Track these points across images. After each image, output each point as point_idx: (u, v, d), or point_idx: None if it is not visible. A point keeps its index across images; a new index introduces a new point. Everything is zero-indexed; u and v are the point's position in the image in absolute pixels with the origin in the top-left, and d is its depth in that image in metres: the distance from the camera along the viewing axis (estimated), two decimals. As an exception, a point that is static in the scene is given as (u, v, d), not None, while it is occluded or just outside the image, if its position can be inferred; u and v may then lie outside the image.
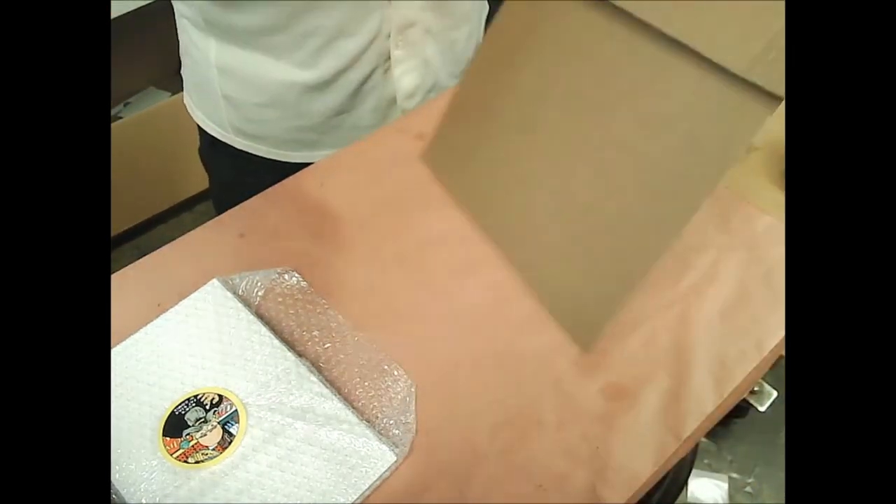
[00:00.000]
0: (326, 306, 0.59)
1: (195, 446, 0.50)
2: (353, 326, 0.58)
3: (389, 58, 0.76)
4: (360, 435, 0.51)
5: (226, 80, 0.78)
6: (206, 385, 0.53)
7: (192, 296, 0.59)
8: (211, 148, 0.87)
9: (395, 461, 0.50)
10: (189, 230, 0.65)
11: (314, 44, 0.71)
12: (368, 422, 0.52)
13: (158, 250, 0.63)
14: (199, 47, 0.77)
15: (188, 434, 0.51)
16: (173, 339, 0.56)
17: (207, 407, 0.52)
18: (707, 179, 0.46)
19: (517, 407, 0.54)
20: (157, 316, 0.57)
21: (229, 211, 0.66)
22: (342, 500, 0.49)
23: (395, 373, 0.55)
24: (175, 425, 0.51)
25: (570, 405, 0.55)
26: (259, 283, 0.60)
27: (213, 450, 0.50)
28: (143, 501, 0.48)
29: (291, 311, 0.59)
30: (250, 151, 0.83)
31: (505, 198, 0.61)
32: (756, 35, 0.45)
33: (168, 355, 0.55)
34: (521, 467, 0.51)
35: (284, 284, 0.60)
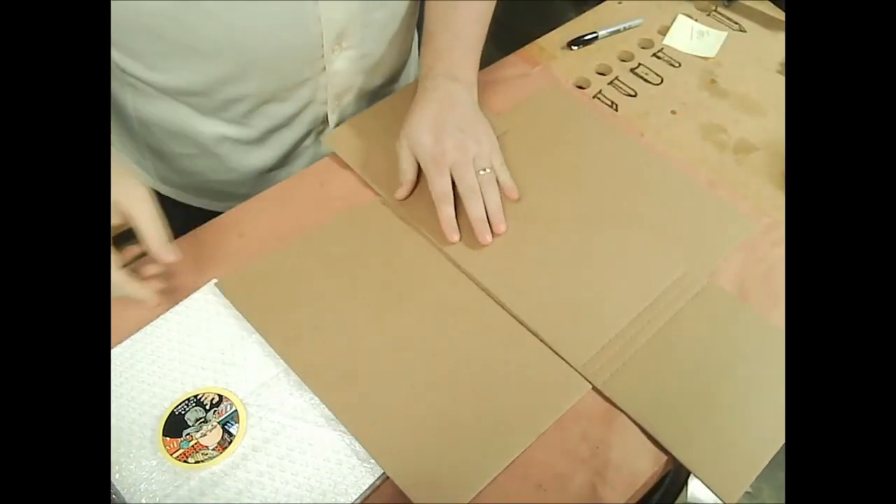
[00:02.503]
0: None
1: (195, 446, 0.50)
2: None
3: (326, 121, 0.74)
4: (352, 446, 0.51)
5: (147, 130, 0.71)
6: (206, 385, 0.53)
7: (192, 296, 0.59)
8: None
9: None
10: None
11: (242, 108, 0.67)
12: None
13: (158, 250, 0.63)
14: (116, 99, 0.69)
15: (188, 434, 0.51)
16: (173, 339, 0.56)
17: (207, 407, 0.52)
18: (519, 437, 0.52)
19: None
20: (157, 317, 0.57)
21: (229, 211, 0.66)
22: (342, 501, 0.49)
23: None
24: (175, 425, 0.51)
25: (571, 405, 0.55)
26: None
27: (213, 449, 0.50)
28: (143, 501, 0.48)
29: None
30: (177, 199, 0.78)
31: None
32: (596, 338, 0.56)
33: (168, 355, 0.55)
34: (521, 467, 0.51)
35: None
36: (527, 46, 0.83)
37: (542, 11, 1.47)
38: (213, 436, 0.51)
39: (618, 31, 0.85)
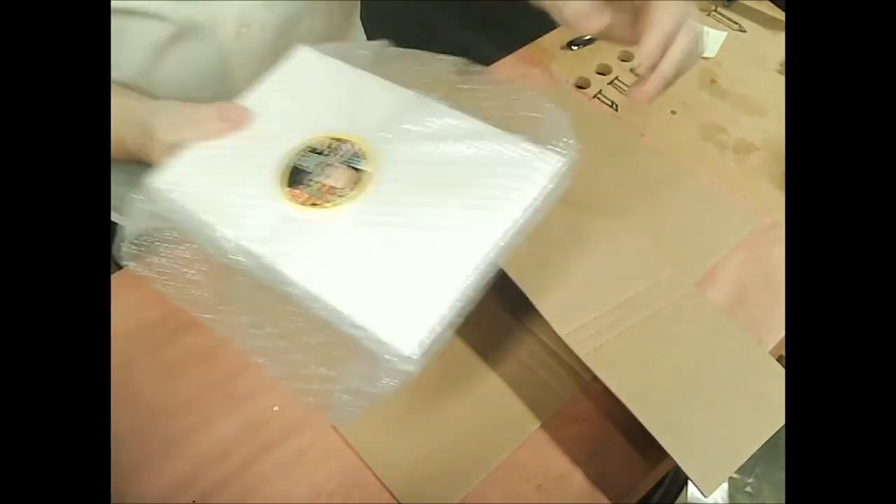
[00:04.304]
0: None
1: (324, 189, 0.43)
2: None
3: None
4: (514, 143, 0.43)
5: None
6: (317, 135, 0.46)
7: (282, 66, 0.51)
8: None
9: (563, 166, 0.42)
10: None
11: None
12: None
13: (158, 250, 0.63)
14: None
15: (310, 180, 0.44)
16: (275, 103, 0.49)
17: (325, 153, 0.45)
18: None
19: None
20: (157, 318, 0.57)
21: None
22: (510, 217, 0.40)
23: (546, 105, 0.46)
24: (296, 176, 0.44)
25: (570, 406, 0.55)
26: (357, 52, 0.51)
27: (346, 188, 0.43)
28: (282, 252, 0.41)
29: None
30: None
31: None
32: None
33: (271, 120, 0.48)
34: (521, 467, 0.51)
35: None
36: (527, 46, 0.83)
37: (542, 11, 1.47)
38: (340, 175, 0.44)
39: (618, 31, 0.85)
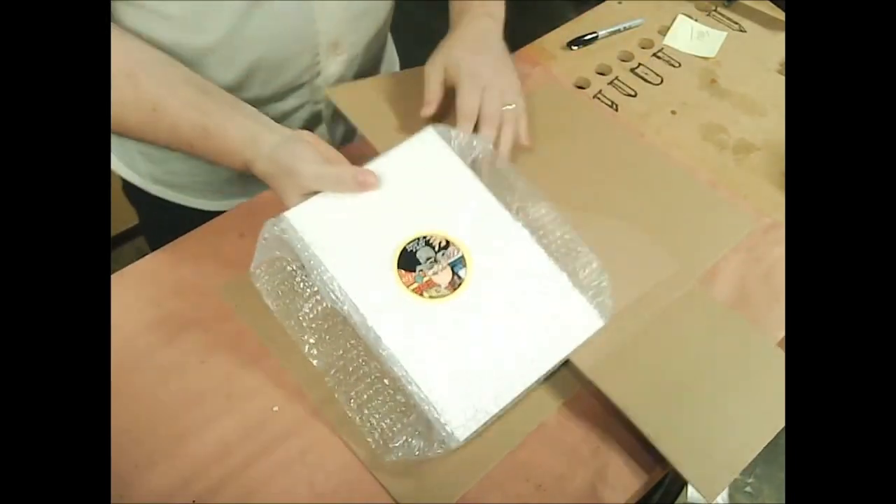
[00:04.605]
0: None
1: (428, 282, 0.53)
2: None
3: (320, 118, 0.75)
4: (571, 297, 0.54)
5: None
6: (433, 228, 0.55)
7: (410, 141, 0.59)
8: (128, 190, 0.80)
9: (602, 326, 0.54)
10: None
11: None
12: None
13: (158, 250, 0.63)
14: None
15: (421, 270, 0.53)
16: (399, 179, 0.57)
17: (436, 249, 0.54)
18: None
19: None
20: (157, 318, 0.57)
21: (229, 211, 0.66)
22: (557, 356, 0.52)
23: (589, 254, 0.57)
24: (408, 261, 0.53)
25: (570, 405, 0.55)
26: (475, 145, 0.60)
27: (445, 288, 0.53)
28: (387, 324, 0.50)
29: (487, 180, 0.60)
30: (169, 199, 0.77)
31: None
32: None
33: (395, 195, 0.56)
34: (521, 467, 0.51)
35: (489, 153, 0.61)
36: (527, 46, 0.83)
37: (542, 11, 1.47)
38: (443, 275, 0.53)
39: (618, 31, 0.85)
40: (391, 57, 0.85)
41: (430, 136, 0.59)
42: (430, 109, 0.63)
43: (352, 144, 0.77)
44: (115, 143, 0.76)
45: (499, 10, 0.70)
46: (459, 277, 0.53)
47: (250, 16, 0.58)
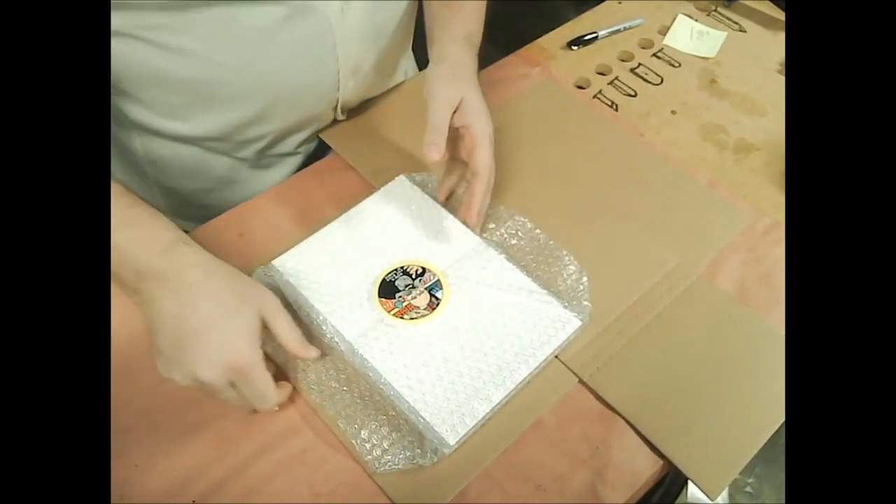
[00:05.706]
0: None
1: (408, 306, 0.57)
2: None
3: None
4: (549, 304, 0.57)
5: (158, 170, 0.71)
6: (409, 259, 0.60)
7: (384, 188, 0.65)
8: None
9: (581, 326, 0.56)
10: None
11: (259, 145, 0.69)
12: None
13: (158, 250, 0.63)
14: (120, 141, 0.69)
15: (400, 296, 0.57)
16: (375, 221, 0.63)
17: (413, 276, 0.59)
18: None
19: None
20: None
21: (229, 211, 0.66)
22: (536, 362, 0.54)
23: (566, 258, 0.61)
24: (388, 289, 0.58)
25: (570, 405, 0.55)
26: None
27: (424, 309, 0.57)
28: (372, 347, 0.54)
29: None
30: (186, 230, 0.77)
31: None
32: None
33: (372, 234, 0.62)
34: (521, 467, 0.51)
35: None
36: (527, 46, 0.83)
37: (542, 11, 1.47)
38: (421, 299, 0.58)
39: (618, 31, 0.85)
40: (407, 67, 0.83)
41: (401, 183, 0.65)
42: (437, 154, 0.56)
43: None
44: (133, 179, 0.74)
45: (479, 33, 0.67)
46: (437, 299, 0.57)
47: (268, 48, 0.58)
